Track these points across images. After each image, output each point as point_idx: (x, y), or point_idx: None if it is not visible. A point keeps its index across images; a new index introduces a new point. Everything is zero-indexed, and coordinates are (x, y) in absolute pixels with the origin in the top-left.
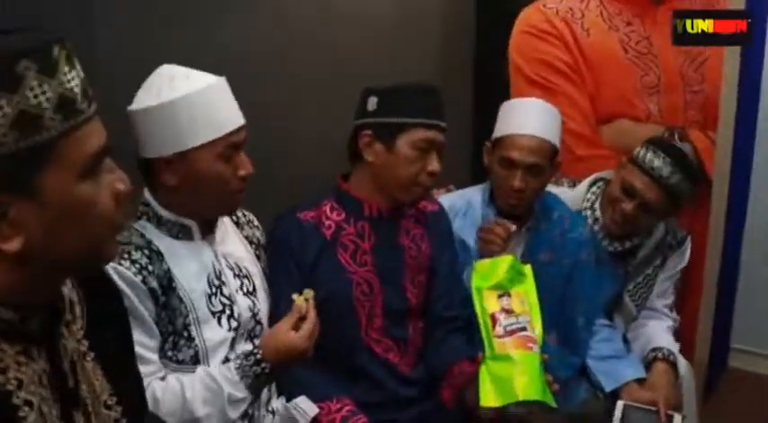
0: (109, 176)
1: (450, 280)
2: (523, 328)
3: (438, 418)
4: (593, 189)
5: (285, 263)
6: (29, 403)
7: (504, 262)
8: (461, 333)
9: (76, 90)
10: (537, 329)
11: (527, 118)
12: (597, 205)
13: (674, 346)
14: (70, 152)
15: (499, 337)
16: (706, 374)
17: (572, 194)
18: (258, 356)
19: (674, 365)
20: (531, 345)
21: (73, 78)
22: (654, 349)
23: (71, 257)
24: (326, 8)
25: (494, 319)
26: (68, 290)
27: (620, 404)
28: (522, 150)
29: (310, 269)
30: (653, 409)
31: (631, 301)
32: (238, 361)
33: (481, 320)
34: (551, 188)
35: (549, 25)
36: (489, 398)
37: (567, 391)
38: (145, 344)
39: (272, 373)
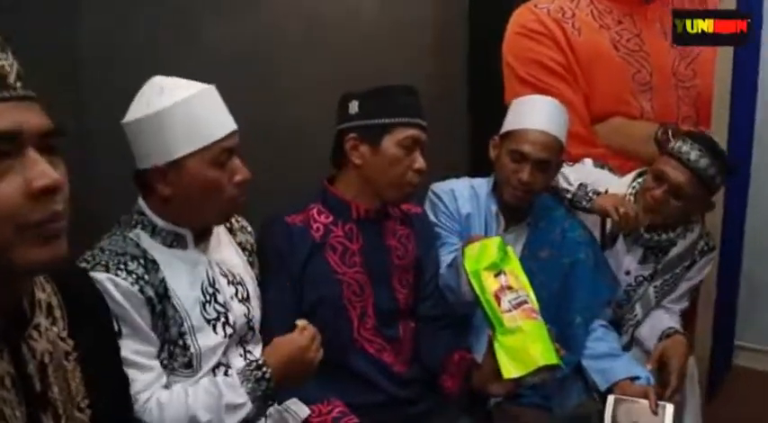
0: (25, 172)
1: (435, 280)
2: (525, 301)
3: (434, 417)
4: (639, 180)
5: (275, 269)
6: None
7: (492, 243)
8: (451, 329)
9: None
10: (534, 301)
11: (540, 114)
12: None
13: None
14: None
15: (507, 311)
16: (710, 372)
17: (619, 182)
18: (260, 361)
19: (690, 346)
20: (534, 314)
21: None
22: (671, 327)
23: None
24: (318, 12)
25: (497, 297)
26: (47, 294)
27: (611, 398)
28: (535, 145)
29: (300, 272)
30: (644, 401)
31: (654, 297)
32: (242, 367)
33: (484, 300)
34: (598, 172)
35: (541, 25)
36: (510, 370)
37: (563, 393)
38: (143, 352)
39: (273, 379)
